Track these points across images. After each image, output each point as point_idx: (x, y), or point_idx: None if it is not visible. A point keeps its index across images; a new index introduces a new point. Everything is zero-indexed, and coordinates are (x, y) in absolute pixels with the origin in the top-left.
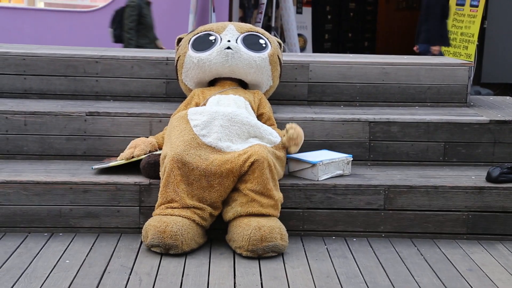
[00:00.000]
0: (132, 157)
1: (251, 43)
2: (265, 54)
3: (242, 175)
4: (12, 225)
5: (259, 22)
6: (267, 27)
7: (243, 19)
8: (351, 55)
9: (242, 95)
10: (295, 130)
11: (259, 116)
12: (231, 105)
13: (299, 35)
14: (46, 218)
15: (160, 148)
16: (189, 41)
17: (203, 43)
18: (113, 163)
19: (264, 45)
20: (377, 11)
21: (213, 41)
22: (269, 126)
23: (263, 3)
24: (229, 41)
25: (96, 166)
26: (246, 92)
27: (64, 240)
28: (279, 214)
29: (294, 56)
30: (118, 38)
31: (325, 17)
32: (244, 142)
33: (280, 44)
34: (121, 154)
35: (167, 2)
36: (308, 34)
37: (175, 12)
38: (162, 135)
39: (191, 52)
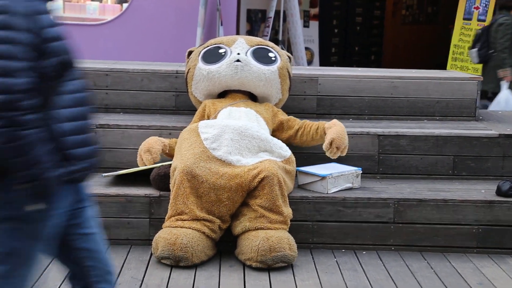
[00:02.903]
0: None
1: (261, 56)
2: (274, 67)
3: (252, 190)
4: None
5: (267, 35)
6: (274, 41)
7: (251, 32)
8: (359, 68)
9: (253, 108)
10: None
11: (280, 125)
12: (242, 118)
13: (306, 48)
14: None
15: (171, 153)
16: (199, 53)
17: (213, 56)
18: (123, 171)
19: (273, 58)
20: (384, 25)
21: (223, 54)
22: (293, 124)
23: (271, 17)
24: (238, 53)
25: (106, 174)
26: (257, 105)
27: None
28: (288, 229)
29: (303, 70)
30: (484, 58)
31: (332, 31)
32: (254, 156)
33: (289, 57)
34: (141, 160)
35: (175, 15)
36: (315, 48)
37: (183, 25)
38: (175, 140)
39: (201, 65)
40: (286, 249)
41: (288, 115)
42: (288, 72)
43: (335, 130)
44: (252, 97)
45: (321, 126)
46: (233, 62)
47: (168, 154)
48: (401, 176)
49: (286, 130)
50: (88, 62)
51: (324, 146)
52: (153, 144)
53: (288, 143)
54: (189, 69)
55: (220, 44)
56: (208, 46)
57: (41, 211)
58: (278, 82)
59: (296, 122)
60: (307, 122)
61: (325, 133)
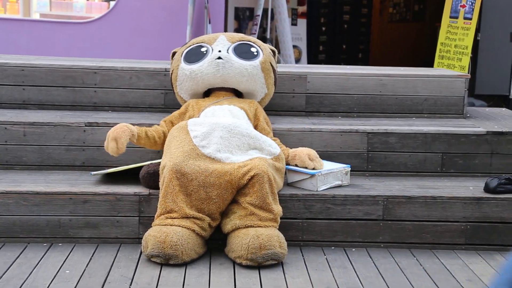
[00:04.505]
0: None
1: (242, 52)
2: (256, 62)
3: (241, 188)
4: (11, 236)
5: (254, 33)
6: (262, 39)
7: (238, 30)
8: (348, 66)
9: (237, 104)
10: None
11: (255, 127)
12: (226, 115)
13: (294, 46)
14: (45, 229)
15: (139, 142)
16: (182, 54)
17: (195, 55)
18: (112, 169)
19: (255, 53)
20: (371, 23)
21: (205, 52)
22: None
23: (258, 15)
24: (220, 51)
25: (95, 172)
26: (241, 101)
27: (63, 250)
28: (278, 227)
29: (292, 68)
30: None
31: (320, 29)
32: (244, 154)
33: (273, 51)
34: (106, 145)
35: (163, 13)
36: (303, 46)
37: (171, 23)
38: (145, 130)
39: (183, 65)
40: (276, 246)
41: (277, 113)
42: (272, 65)
43: (303, 148)
44: (238, 94)
45: (285, 152)
46: (214, 59)
47: (137, 143)
48: (390, 173)
49: None
50: (77, 60)
51: (307, 164)
52: (121, 134)
53: None
54: (172, 70)
55: (201, 43)
56: (190, 46)
57: None
58: (261, 76)
59: (267, 133)
60: (278, 141)
61: (288, 157)
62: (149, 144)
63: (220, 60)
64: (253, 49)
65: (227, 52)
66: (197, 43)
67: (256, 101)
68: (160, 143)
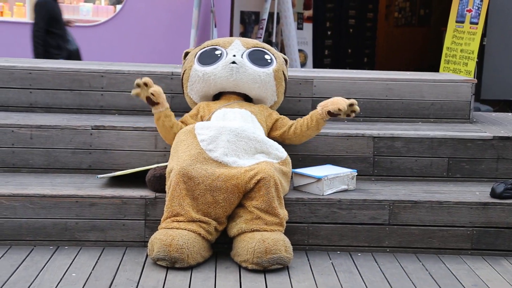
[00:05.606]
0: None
1: (257, 58)
2: (270, 69)
3: (248, 192)
4: (18, 238)
5: (260, 37)
6: (267, 43)
7: (244, 34)
8: (354, 70)
9: (248, 108)
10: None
11: (274, 123)
12: (237, 118)
13: (300, 50)
14: (51, 231)
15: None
16: (195, 55)
17: (209, 57)
18: (118, 172)
19: (269, 61)
20: (377, 27)
21: (219, 55)
22: (287, 122)
23: (264, 19)
24: (234, 55)
25: (102, 176)
26: (252, 105)
27: (69, 253)
28: (283, 231)
29: (298, 72)
30: None
31: (325, 33)
32: (251, 158)
33: (286, 60)
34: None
35: (169, 16)
36: (309, 50)
37: (177, 26)
38: (181, 120)
39: (196, 66)
40: (282, 251)
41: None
42: (284, 74)
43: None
44: (247, 98)
45: (313, 112)
46: (228, 64)
47: (164, 114)
48: (396, 178)
49: (280, 128)
50: (83, 64)
51: (340, 104)
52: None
53: (282, 140)
54: (185, 70)
55: (216, 45)
56: (204, 48)
57: None
58: (273, 84)
59: (290, 121)
60: (286, 119)
61: (319, 115)
62: (169, 123)
63: (234, 64)
64: (267, 56)
65: (242, 58)
66: (211, 46)
67: (266, 105)
68: (172, 134)
